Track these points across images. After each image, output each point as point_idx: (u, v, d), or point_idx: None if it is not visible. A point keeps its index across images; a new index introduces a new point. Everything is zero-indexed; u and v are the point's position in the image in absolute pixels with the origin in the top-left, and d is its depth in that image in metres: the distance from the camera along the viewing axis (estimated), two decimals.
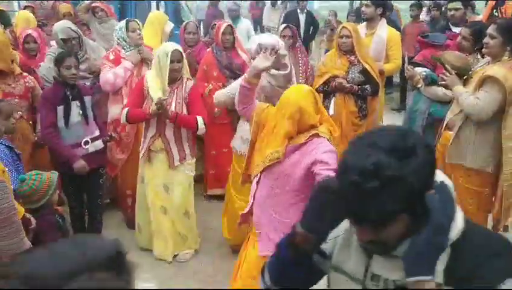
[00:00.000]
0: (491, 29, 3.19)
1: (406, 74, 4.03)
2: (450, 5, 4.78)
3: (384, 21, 4.78)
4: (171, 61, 3.41)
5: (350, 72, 4.15)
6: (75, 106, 3.46)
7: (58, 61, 3.40)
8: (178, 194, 3.66)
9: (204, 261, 3.81)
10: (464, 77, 3.33)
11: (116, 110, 3.99)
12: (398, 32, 4.88)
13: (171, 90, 3.52)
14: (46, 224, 2.60)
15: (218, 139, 4.51)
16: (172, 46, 3.51)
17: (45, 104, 3.44)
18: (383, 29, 4.69)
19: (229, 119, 4.50)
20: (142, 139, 3.68)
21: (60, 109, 3.41)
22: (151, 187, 3.66)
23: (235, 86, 3.34)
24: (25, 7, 5.98)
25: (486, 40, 3.22)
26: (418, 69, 3.99)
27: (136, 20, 4.27)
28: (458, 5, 4.74)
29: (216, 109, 4.45)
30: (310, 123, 2.41)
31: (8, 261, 2.11)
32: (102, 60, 4.11)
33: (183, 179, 3.68)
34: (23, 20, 5.12)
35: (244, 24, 7.49)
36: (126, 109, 3.53)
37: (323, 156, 2.31)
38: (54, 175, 2.69)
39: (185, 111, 3.55)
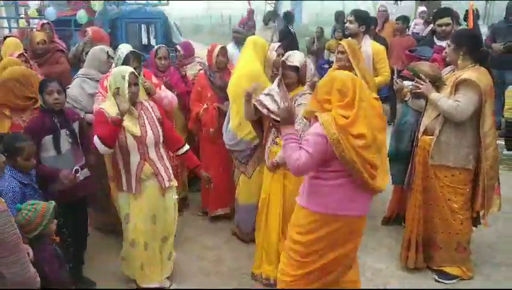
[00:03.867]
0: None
1: (394, 87, 4.09)
2: (441, 21, 4.75)
3: (367, 37, 4.88)
4: (129, 85, 3.27)
5: None
6: (64, 133, 3.34)
7: (41, 88, 3.30)
8: (165, 219, 3.55)
9: (201, 280, 3.81)
10: (436, 84, 3.58)
11: None
12: (383, 46, 4.95)
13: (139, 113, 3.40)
14: (46, 254, 2.58)
15: (214, 159, 4.52)
16: (127, 69, 3.37)
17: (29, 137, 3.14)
18: (368, 45, 4.78)
19: None
20: (123, 174, 3.41)
21: (49, 139, 3.27)
22: (137, 224, 3.45)
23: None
24: (5, 37, 5.66)
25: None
26: (406, 83, 4.06)
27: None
28: (449, 20, 4.73)
29: (211, 129, 4.48)
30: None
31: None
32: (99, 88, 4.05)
33: (170, 205, 3.57)
34: (14, 45, 5.02)
35: None
36: (95, 137, 3.24)
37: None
38: (50, 205, 2.65)
39: (161, 130, 3.45)
